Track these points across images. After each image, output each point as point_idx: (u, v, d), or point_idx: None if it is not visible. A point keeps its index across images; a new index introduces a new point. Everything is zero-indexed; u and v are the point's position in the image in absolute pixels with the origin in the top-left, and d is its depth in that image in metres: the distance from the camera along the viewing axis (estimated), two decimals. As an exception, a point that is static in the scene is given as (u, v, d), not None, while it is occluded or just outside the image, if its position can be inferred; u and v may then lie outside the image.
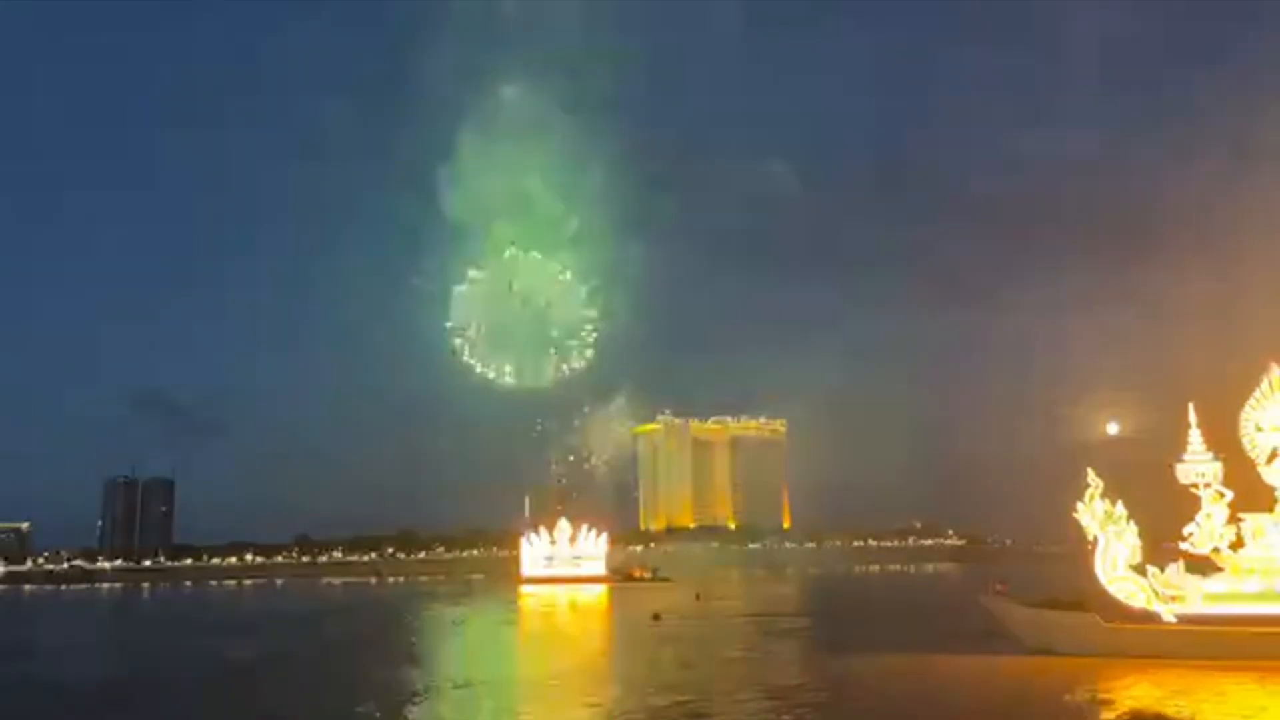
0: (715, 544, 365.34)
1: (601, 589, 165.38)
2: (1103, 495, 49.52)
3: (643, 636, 74.39)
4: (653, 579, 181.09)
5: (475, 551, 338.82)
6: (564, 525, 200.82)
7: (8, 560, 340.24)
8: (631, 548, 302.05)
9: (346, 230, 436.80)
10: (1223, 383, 51.97)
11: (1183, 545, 48.00)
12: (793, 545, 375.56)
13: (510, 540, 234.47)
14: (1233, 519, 47.30)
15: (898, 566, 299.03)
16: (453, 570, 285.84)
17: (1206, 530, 47.52)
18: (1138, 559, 48.49)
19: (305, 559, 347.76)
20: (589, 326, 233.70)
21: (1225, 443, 48.16)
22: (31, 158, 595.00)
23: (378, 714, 38.41)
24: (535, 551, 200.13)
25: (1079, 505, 49.83)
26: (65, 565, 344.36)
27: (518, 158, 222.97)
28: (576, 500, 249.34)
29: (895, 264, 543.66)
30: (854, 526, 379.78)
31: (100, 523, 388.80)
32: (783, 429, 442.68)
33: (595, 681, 50.80)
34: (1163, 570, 47.88)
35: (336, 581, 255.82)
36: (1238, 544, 47.03)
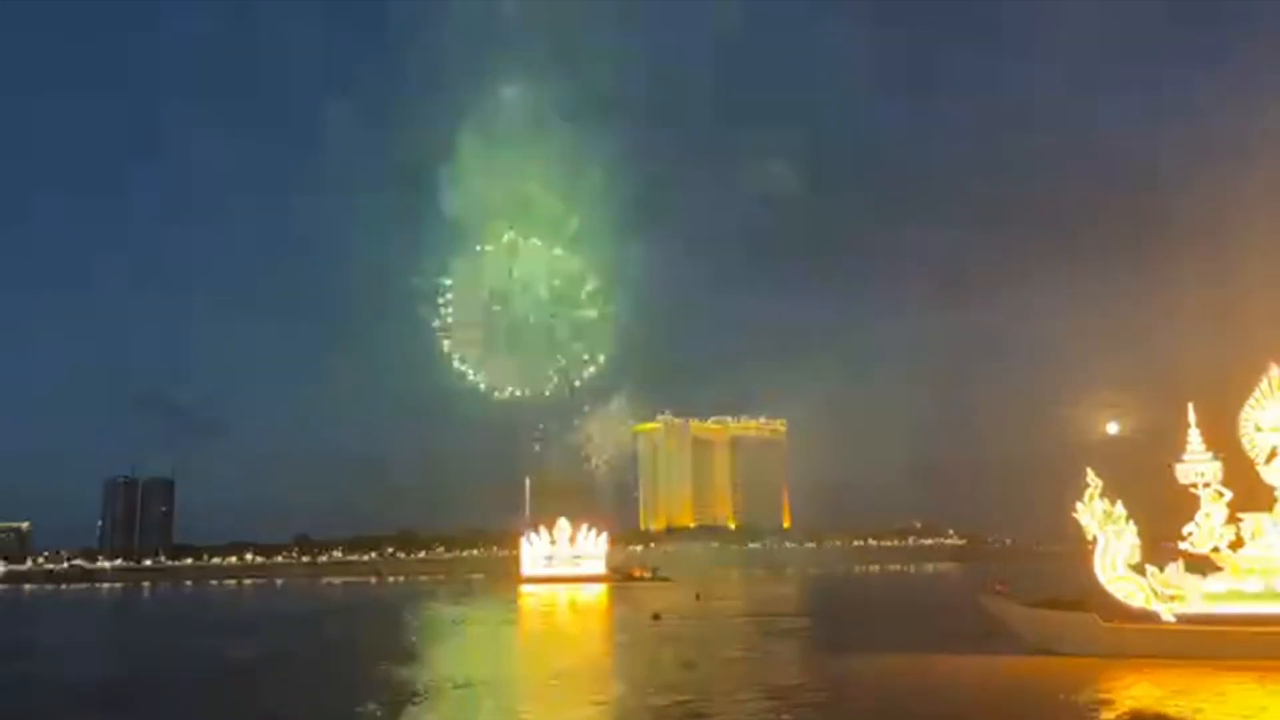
0: (715, 544, 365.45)
1: (601, 588, 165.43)
2: (1102, 495, 49.52)
3: (643, 636, 74.39)
4: (653, 579, 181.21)
5: (475, 551, 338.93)
6: (564, 525, 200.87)
7: (8, 560, 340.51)
8: (631, 547, 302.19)
9: (346, 230, 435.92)
10: (1222, 383, 52.00)
11: (1182, 545, 47.99)
12: (793, 545, 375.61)
13: (510, 540, 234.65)
14: (1232, 519, 47.29)
15: (898, 566, 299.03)
16: (453, 570, 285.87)
17: (1206, 530, 47.53)
18: (1137, 558, 48.50)
19: (305, 559, 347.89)
20: (599, 324, 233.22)
21: (1225, 442, 48.16)
22: (23, 156, 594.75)
23: (378, 714, 38.43)
24: (535, 551, 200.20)
25: (1079, 505, 49.85)
26: (65, 565, 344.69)
27: (518, 158, 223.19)
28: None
29: (895, 264, 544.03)
30: (854, 526, 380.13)
31: (100, 523, 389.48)
32: (783, 429, 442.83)
33: (595, 681, 50.81)
34: (1162, 570, 47.88)
35: (336, 581, 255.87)
36: (1237, 543, 47.02)
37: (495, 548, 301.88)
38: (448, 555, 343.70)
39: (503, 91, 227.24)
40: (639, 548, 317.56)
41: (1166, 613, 47.03)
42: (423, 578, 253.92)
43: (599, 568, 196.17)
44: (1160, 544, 49.30)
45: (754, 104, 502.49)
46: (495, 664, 60.65)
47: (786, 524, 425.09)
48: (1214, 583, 46.94)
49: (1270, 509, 46.95)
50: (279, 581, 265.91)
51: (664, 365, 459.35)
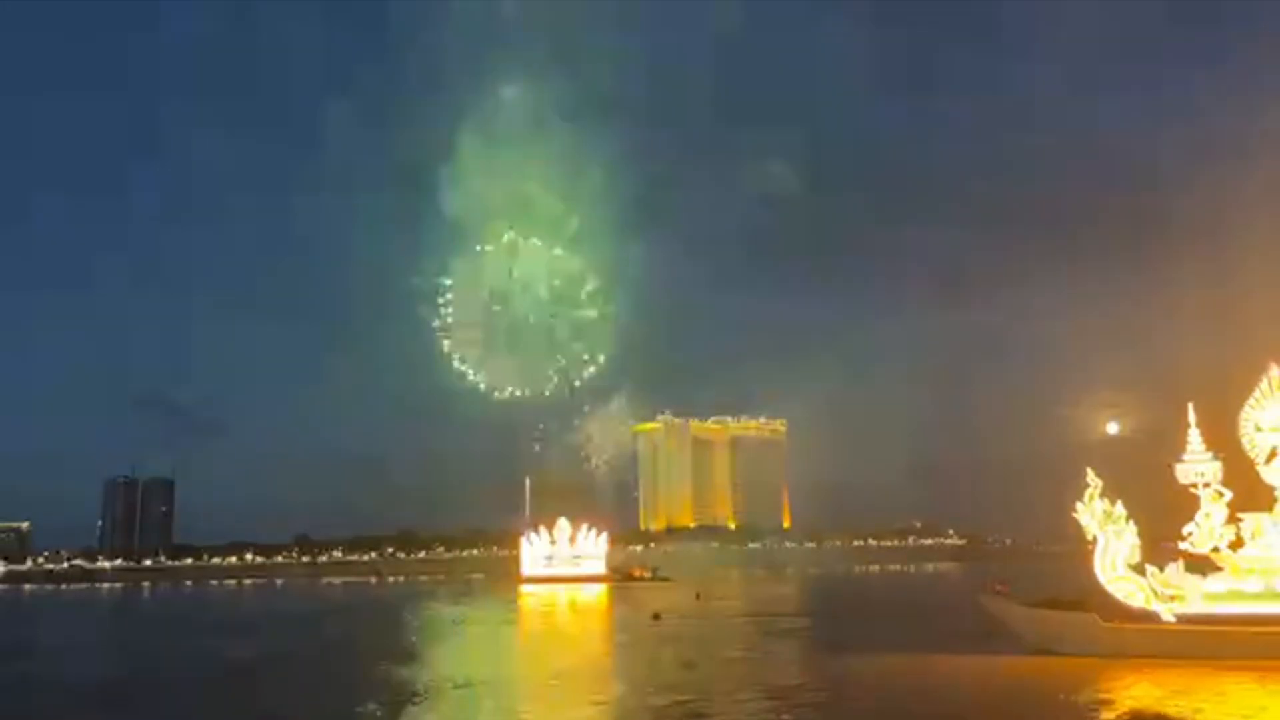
0: (715, 544, 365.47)
1: (601, 588, 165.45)
2: (1102, 495, 49.52)
3: (643, 636, 74.39)
4: (653, 579, 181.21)
5: (475, 551, 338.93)
6: (564, 525, 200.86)
7: (8, 560, 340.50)
8: (631, 547, 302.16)
9: (346, 230, 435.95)
10: (1222, 383, 52.00)
11: (1182, 545, 47.99)
12: (793, 545, 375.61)
13: (510, 540, 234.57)
14: (1232, 519, 47.29)
15: (898, 566, 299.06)
16: (453, 570, 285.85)
17: (1206, 530, 47.53)
18: (1137, 558, 48.50)
19: (305, 559, 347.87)
20: (599, 324, 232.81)
21: (1225, 442, 48.16)
22: (23, 156, 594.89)
23: (378, 714, 38.43)
24: (535, 551, 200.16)
25: (1079, 505, 49.85)
26: (65, 565, 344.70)
27: (517, 158, 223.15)
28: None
29: (895, 264, 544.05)
30: (854, 526, 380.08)
31: (100, 523, 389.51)
32: (783, 429, 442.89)
33: (595, 681, 50.81)
34: (1162, 570, 47.88)
35: (336, 581, 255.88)
36: (1237, 543, 47.02)
37: (495, 548, 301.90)
38: (448, 555, 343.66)
39: (503, 91, 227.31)
40: (639, 548, 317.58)
41: (1166, 613, 47.03)
42: (423, 578, 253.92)
43: (599, 568, 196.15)
44: (1160, 544, 49.29)
45: (754, 104, 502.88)
46: (495, 664, 60.65)
47: (786, 524, 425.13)
48: (1214, 583, 46.94)
49: (1270, 509, 46.94)
50: (279, 581, 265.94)
51: (664, 365, 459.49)
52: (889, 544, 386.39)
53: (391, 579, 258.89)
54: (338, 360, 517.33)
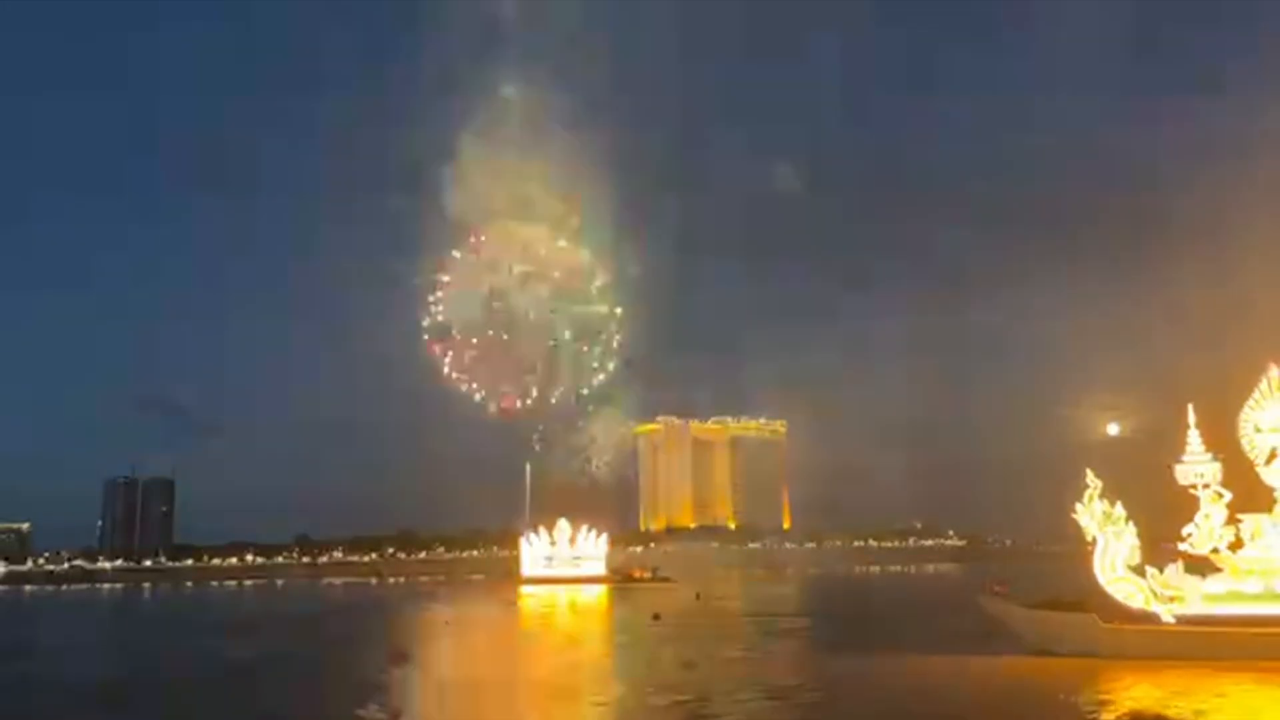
0: (715, 544, 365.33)
1: (601, 589, 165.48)
2: (1102, 495, 49.53)
3: (643, 636, 74.46)
4: (653, 579, 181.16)
5: (475, 552, 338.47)
6: (564, 525, 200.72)
7: (8, 560, 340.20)
8: (631, 548, 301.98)
9: (347, 229, 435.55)
10: (1222, 383, 52.01)
11: (1181, 546, 47.99)
12: (793, 545, 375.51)
13: (510, 540, 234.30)
14: (1231, 520, 47.29)
15: (898, 567, 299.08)
16: (453, 570, 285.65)
17: (1205, 531, 47.53)
18: (1137, 559, 48.50)
19: (305, 559, 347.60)
20: (612, 326, 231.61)
21: (1224, 443, 48.16)
22: (23, 156, 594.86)
23: (378, 714, 38.46)
24: (535, 552, 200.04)
25: (1078, 506, 49.86)
26: (65, 565, 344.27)
27: (517, 157, 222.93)
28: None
29: (895, 264, 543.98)
30: (854, 527, 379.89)
31: (100, 523, 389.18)
32: (783, 429, 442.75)
33: (596, 681, 50.86)
34: (1162, 571, 47.89)
35: (337, 582, 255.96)
36: (1236, 544, 47.02)
37: (495, 548, 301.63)
38: (448, 556, 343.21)
39: (503, 91, 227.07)
40: (639, 548, 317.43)
41: (1166, 614, 47.04)
42: (423, 578, 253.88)
43: (599, 569, 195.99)
44: (1160, 545, 49.30)
45: (754, 104, 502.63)
46: (495, 665, 60.70)
47: (786, 524, 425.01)
48: (1213, 584, 46.94)
49: (1270, 510, 46.96)
50: (279, 582, 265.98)
51: (664, 365, 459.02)
52: (889, 544, 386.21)
53: (392, 579, 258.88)
54: (338, 360, 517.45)
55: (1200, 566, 47.46)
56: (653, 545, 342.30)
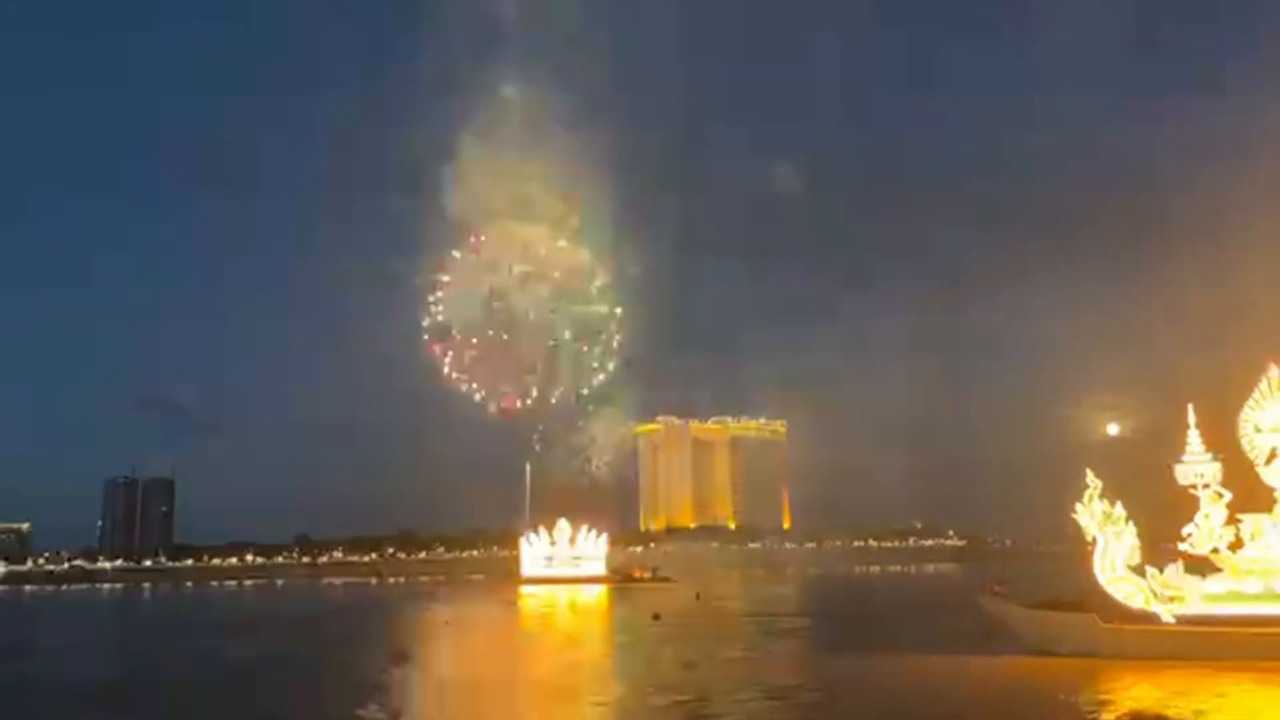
0: (715, 544, 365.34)
1: (601, 589, 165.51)
2: (1102, 495, 49.52)
3: (643, 636, 74.48)
4: (653, 579, 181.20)
5: (475, 552, 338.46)
6: (564, 526, 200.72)
7: (8, 560, 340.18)
8: (631, 548, 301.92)
9: (347, 229, 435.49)
10: (1222, 383, 52.01)
11: (1181, 546, 47.99)
12: (793, 545, 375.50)
13: (510, 540, 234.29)
14: (1231, 520, 47.30)
15: (898, 567, 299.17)
16: (453, 570, 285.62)
17: (1205, 531, 47.54)
18: (1137, 559, 48.50)
19: (305, 559, 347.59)
20: (612, 326, 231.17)
21: (1224, 443, 48.17)
22: (23, 156, 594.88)
23: (378, 715, 38.46)
24: (535, 552, 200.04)
25: (1078, 506, 49.86)
26: (65, 565, 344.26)
27: (517, 157, 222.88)
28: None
29: (895, 264, 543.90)
30: (854, 527, 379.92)
31: (100, 523, 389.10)
32: (783, 429, 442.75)
33: (596, 681, 50.88)
34: (1162, 571, 47.90)
35: (337, 582, 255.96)
36: (1236, 545, 47.02)
37: (495, 548, 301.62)
38: (448, 556, 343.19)
39: (503, 91, 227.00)
40: (639, 548, 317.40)
41: (1166, 614, 47.04)
42: (423, 578, 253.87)
43: (599, 569, 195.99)
44: (1160, 545, 49.31)
45: (754, 104, 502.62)
46: (495, 665, 60.70)
47: (786, 524, 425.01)
48: (1213, 584, 46.95)
49: (1270, 510, 46.96)
50: (279, 582, 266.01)
51: (664, 365, 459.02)
52: (889, 545, 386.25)
53: (392, 580, 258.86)
54: (338, 360, 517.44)
55: (1200, 566, 47.46)
56: (653, 545, 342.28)
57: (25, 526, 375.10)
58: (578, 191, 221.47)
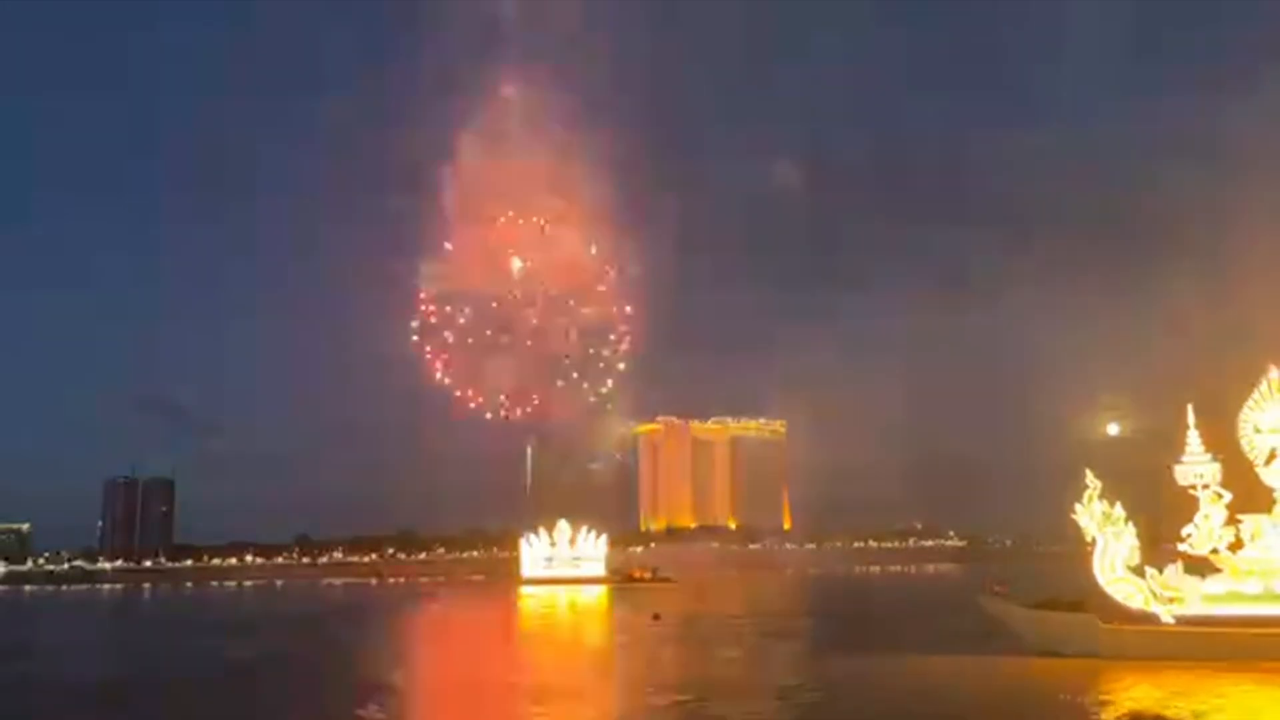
0: (715, 544, 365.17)
1: (601, 590, 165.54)
2: (1101, 496, 49.53)
3: (643, 636, 74.50)
4: (653, 579, 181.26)
5: (475, 552, 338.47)
6: (564, 526, 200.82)
7: (8, 561, 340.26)
8: (631, 549, 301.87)
9: (347, 229, 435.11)
10: (1222, 384, 51.99)
11: (1181, 546, 47.98)
12: (793, 546, 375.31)
13: (510, 541, 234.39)
14: (1231, 520, 47.29)
15: (898, 567, 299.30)
16: (453, 571, 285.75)
17: (1205, 531, 47.53)
18: (1136, 560, 48.48)
19: (305, 559, 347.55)
20: (613, 326, 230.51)
21: (1224, 444, 48.16)
22: (23, 156, 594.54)
23: (378, 715, 38.48)
24: (535, 553, 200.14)
25: (1078, 506, 49.86)
26: (65, 566, 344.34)
27: (517, 157, 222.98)
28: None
29: (895, 264, 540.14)
30: (854, 527, 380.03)
31: (100, 523, 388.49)
32: (783, 429, 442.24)
33: (596, 681, 50.91)
34: (1161, 571, 47.89)
35: (337, 582, 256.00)
36: (1236, 545, 47.01)
37: (495, 549, 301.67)
38: (448, 556, 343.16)
39: (503, 91, 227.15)
40: (639, 549, 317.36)
41: (1166, 614, 47.03)
42: (423, 579, 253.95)
43: (599, 569, 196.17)
44: (1159, 545, 49.31)
45: (754, 104, 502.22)
46: (495, 665, 60.68)
47: (787, 525, 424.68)
48: (1213, 584, 46.93)
49: (1269, 511, 46.95)
50: (279, 582, 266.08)
51: (664, 365, 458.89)
52: (889, 545, 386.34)
53: (392, 580, 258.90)
54: (338, 360, 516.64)
55: (1200, 567, 47.44)
56: (652, 545, 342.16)
57: (25, 526, 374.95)
58: (578, 191, 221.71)
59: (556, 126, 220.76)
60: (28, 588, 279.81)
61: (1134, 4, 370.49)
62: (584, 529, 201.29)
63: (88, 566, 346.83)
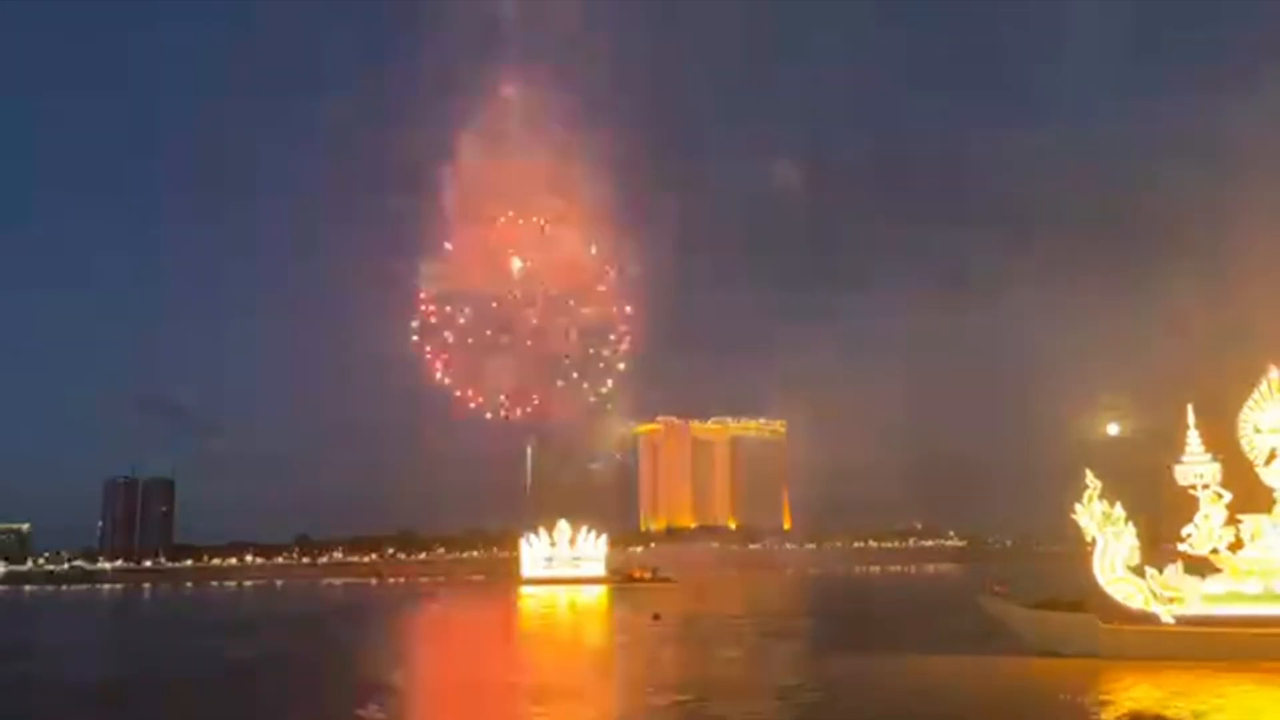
0: (715, 544, 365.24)
1: (601, 590, 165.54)
2: (1101, 496, 49.53)
3: (643, 636, 74.51)
4: (653, 579, 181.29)
5: (475, 552, 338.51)
6: (564, 526, 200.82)
7: (8, 561, 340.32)
8: (631, 549, 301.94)
9: (347, 229, 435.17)
10: (1222, 384, 51.99)
11: (1181, 546, 47.99)
12: (793, 546, 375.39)
13: (510, 541, 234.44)
14: (1231, 520, 47.30)
15: (898, 567, 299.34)
16: (453, 571, 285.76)
17: (1205, 531, 47.54)
18: (1136, 560, 48.49)
19: (305, 559, 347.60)
20: (613, 326, 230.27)
21: (1224, 444, 48.16)
22: (23, 156, 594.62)
23: (378, 715, 38.48)
24: (535, 553, 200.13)
25: (1077, 506, 49.87)
26: (65, 566, 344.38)
27: (517, 157, 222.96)
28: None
29: (895, 264, 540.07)
30: (854, 527, 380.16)
31: (100, 523, 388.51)
32: (783, 429, 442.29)
33: (596, 681, 50.92)
34: (1161, 571, 47.90)
35: (337, 582, 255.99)
36: (1236, 545, 47.01)
37: (495, 549, 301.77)
38: (448, 556, 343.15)
39: (503, 91, 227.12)
40: (639, 549, 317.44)
41: (1166, 614, 47.03)
42: (423, 579, 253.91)
43: (599, 569, 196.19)
44: (1159, 545, 49.32)
45: (754, 104, 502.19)
46: (495, 665, 60.69)
47: (787, 525, 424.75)
48: (1213, 584, 46.94)
49: (1269, 511, 46.96)
50: (279, 582, 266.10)
51: (664, 365, 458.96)
52: (889, 545, 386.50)
53: (392, 580, 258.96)
54: (338, 360, 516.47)
55: (1200, 567, 47.45)
56: (653, 545, 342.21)
57: (25, 526, 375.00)
58: (578, 191, 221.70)
59: (556, 126, 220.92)
60: (28, 588, 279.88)
61: (1134, 4, 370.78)
62: (584, 529, 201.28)
63: (88, 566, 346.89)
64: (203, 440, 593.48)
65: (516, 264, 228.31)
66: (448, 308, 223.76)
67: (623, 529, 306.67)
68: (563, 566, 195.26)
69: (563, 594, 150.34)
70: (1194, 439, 48.80)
